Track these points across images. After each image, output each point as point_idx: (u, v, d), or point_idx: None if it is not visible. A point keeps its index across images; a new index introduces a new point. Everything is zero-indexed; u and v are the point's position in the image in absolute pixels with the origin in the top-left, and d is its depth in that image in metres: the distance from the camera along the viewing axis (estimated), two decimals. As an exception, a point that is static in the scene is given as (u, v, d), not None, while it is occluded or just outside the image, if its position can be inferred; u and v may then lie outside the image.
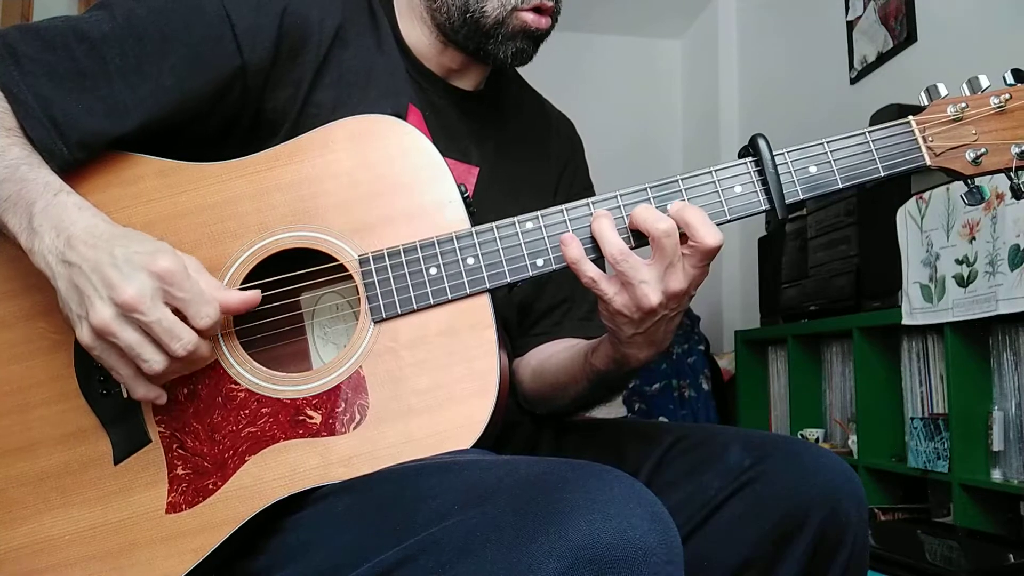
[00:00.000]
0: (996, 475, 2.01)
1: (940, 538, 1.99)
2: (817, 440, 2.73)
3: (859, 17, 3.13)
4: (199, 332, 0.76)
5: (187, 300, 0.75)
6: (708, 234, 0.79)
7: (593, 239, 0.82)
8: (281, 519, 0.80)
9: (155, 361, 0.75)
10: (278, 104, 0.91)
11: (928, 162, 0.85)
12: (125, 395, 0.80)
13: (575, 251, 0.81)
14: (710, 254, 0.79)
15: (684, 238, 0.80)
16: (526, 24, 0.96)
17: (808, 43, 3.53)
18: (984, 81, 0.85)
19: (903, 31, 2.86)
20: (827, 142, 0.84)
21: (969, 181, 0.87)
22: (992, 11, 2.49)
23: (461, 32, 0.97)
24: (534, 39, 0.98)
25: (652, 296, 0.80)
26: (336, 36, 0.93)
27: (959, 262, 2.04)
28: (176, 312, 0.75)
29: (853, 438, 2.53)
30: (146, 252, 0.75)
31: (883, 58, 2.97)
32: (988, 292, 1.94)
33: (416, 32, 1.01)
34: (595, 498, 0.62)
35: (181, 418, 0.81)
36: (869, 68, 3.06)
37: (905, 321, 2.22)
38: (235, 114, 0.90)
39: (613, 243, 0.80)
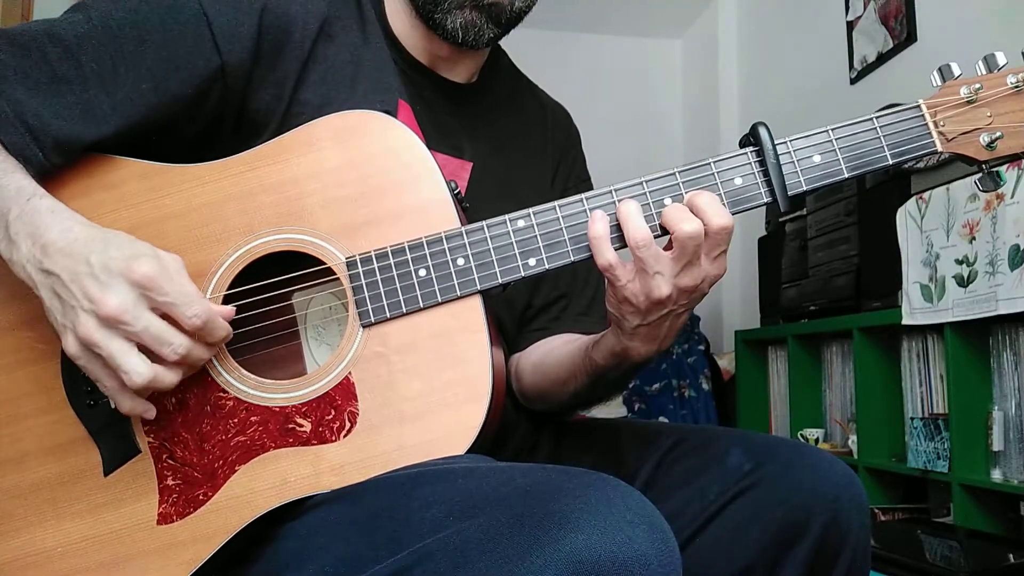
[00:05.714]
0: (996, 475, 2.00)
1: (940, 538, 1.98)
2: (817, 440, 2.72)
3: (859, 17, 3.12)
4: (190, 334, 0.74)
5: (172, 303, 0.73)
6: (716, 214, 0.77)
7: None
8: (274, 528, 0.78)
9: (136, 373, 0.72)
10: (263, 104, 0.88)
11: (939, 147, 0.80)
12: (112, 406, 0.78)
13: (601, 228, 0.79)
14: (720, 235, 0.78)
15: None
16: None
17: (808, 43, 3.51)
18: (1001, 58, 0.80)
19: (903, 31, 2.85)
20: (832, 129, 0.81)
21: (984, 166, 0.82)
22: (992, 11, 2.47)
23: (418, 2, 0.94)
24: (487, 13, 0.93)
25: (664, 287, 0.78)
26: (320, 31, 0.90)
27: (959, 262, 2.03)
28: (165, 317, 0.73)
29: (853, 438, 2.51)
30: (123, 257, 0.73)
31: (883, 58, 2.96)
32: (988, 292, 1.93)
33: (402, 19, 0.97)
34: (592, 509, 0.61)
35: (170, 428, 0.79)
36: (869, 68, 3.05)
37: (905, 321, 2.21)
38: (218, 115, 0.88)
39: (640, 227, 0.78)
